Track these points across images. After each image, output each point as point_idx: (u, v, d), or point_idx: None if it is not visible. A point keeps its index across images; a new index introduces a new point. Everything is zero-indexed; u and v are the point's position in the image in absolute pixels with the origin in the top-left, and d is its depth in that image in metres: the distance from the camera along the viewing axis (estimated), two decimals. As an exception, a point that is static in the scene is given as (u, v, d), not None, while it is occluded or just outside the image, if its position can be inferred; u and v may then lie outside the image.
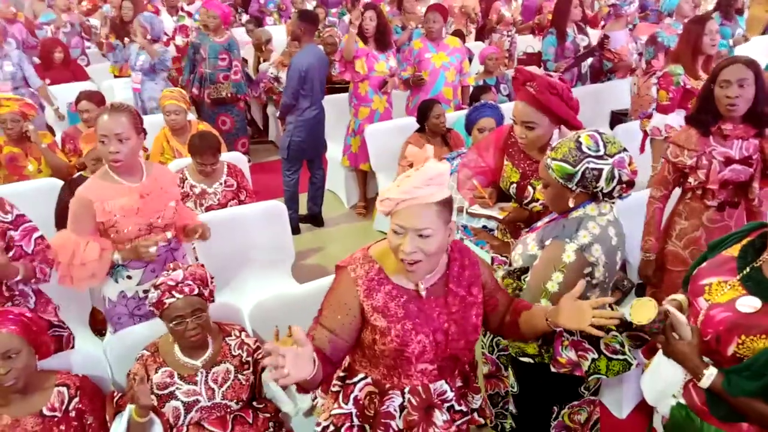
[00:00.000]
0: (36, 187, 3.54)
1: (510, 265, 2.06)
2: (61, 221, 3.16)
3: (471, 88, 4.83)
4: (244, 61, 6.34)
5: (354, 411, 1.67)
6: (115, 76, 6.46)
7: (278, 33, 7.04)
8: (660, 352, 1.70)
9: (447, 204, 1.52)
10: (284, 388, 2.10)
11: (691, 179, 2.57)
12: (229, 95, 5.32)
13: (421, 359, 1.60)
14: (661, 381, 1.69)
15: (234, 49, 5.38)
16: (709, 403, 1.56)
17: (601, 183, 1.80)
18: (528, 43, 6.89)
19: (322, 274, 3.08)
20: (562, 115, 2.18)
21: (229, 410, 2.10)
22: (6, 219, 2.21)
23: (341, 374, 1.74)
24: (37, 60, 5.96)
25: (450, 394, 1.68)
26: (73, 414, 1.94)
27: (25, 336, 1.87)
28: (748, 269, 1.52)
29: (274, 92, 6.05)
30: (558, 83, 2.17)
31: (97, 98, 4.03)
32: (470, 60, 5.38)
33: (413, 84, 4.73)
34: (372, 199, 5.13)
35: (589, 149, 1.80)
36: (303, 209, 4.93)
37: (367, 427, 1.67)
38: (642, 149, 3.93)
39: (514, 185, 2.42)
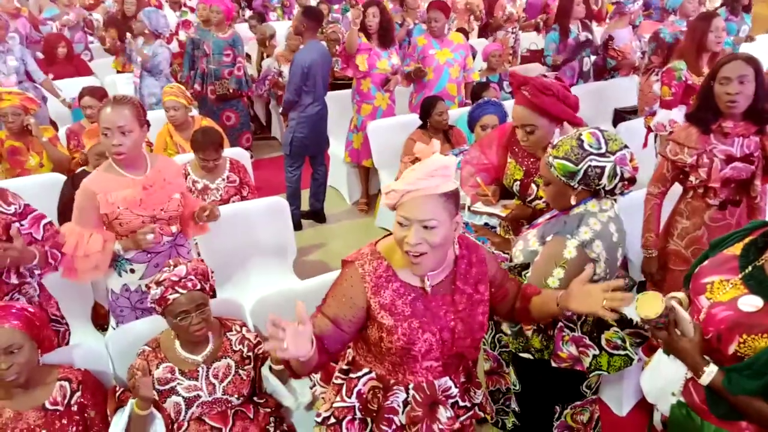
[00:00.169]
0: (39, 182, 3.55)
1: (511, 261, 2.06)
2: (63, 216, 3.17)
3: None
4: (247, 57, 6.34)
5: (357, 405, 1.68)
6: (118, 72, 6.47)
7: (282, 28, 7.03)
8: (660, 350, 1.70)
9: (453, 196, 1.51)
10: (284, 382, 2.11)
11: (692, 178, 2.56)
12: (230, 90, 5.32)
13: (428, 357, 1.60)
14: (661, 379, 1.69)
15: (238, 45, 5.38)
16: (709, 401, 1.56)
17: (604, 180, 1.80)
18: (532, 41, 6.88)
19: (324, 270, 3.09)
20: (559, 114, 2.18)
21: (230, 405, 2.10)
22: (8, 211, 2.21)
23: (345, 367, 1.74)
24: (40, 55, 5.96)
25: (454, 390, 1.68)
26: (75, 408, 1.95)
27: (27, 331, 1.87)
28: (750, 268, 1.52)
29: (279, 86, 6.05)
30: (552, 83, 2.17)
31: (99, 94, 4.02)
32: (474, 57, 5.37)
33: (415, 76, 4.72)
34: (374, 196, 5.14)
35: (591, 147, 1.79)
36: (305, 205, 4.93)
37: (369, 420, 1.67)
38: (645, 144, 3.92)
39: (518, 183, 2.42)
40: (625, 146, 1.83)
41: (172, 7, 7.31)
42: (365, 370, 1.68)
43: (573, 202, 1.85)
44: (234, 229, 3.24)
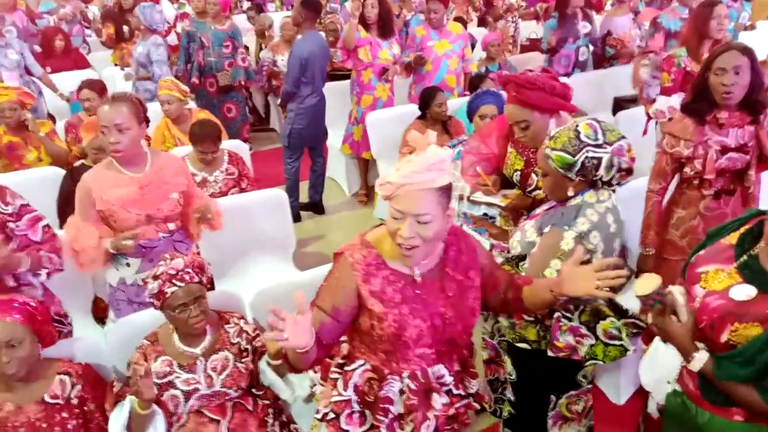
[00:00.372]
0: (38, 177, 3.54)
1: (508, 252, 2.06)
2: (63, 210, 3.17)
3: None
4: (245, 48, 6.32)
5: (354, 397, 1.68)
6: (116, 65, 6.45)
7: (278, 19, 7.01)
8: (658, 338, 1.71)
9: (447, 190, 1.52)
10: (281, 375, 2.12)
11: (687, 169, 2.55)
12: (238, 82, 5.30)
13: (419, 344, 1.60)
14: (659, 367, 1.70)
15: (238, 36, 5.36)
16: (702, 387, 1.57)
17: (601, 171, 1.80)
18: (532, 30, 6.85)
19: (323, 261, 3.08)
20: (549, 106, 2.17)
21: (228, 398, 2.11)
22: (6, 210, 2.21)
23: (340, 361, 1.75)
24: (37, 48, 5.94)
25: (448, 378, 1.68)
26: (75, 402, 1.96)
27: (29, 325, 1.87)
28: (745, 257, 1.52)
29: (275, 76, 6.03)
30: (537, 77, 2.16)
31: (98, 87, 4.02)
32: (473, 47, 5.35)
33: (415, 64, 4.70)
34: (373, 187, 5.13)
35: (588, 138, 1.79)
36: (304, 197, 4.93)
37: (368, 414, 1.68)
38: (645, 132, 3.91)
39: (518, 173, 2.41)
40: (623, 137, 1.83)
41: (170, 0, 7.28)
42: (360, 361, 1.69)
43: (570, 193, 1.85)
44: (233, 222, 3.23)
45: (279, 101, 5.02)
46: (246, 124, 5.59)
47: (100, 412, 2.01)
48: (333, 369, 1.76)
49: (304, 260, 3.81)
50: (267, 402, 2.19)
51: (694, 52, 3.57)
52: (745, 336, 1.44)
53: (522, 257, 1.96)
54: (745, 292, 1.46)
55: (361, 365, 1.68)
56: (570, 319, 1.93)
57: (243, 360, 2.13)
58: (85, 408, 1.98)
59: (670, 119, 3.19)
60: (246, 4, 8.35)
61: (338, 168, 5.32)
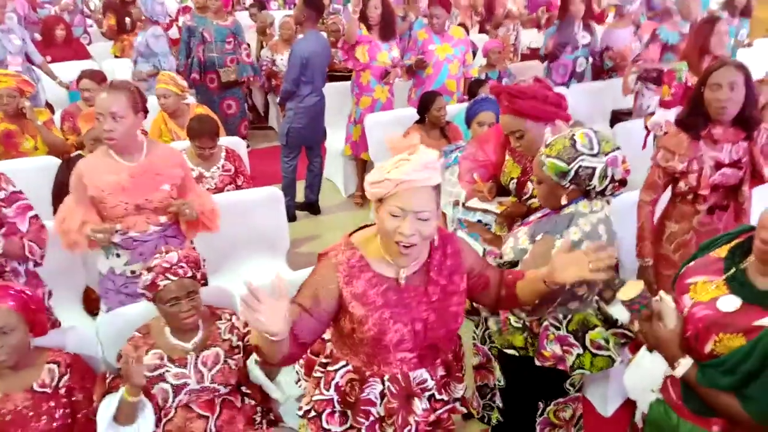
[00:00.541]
0: (34, 165, 3.54)
1: (501, 258, 2.07)
2: (58, 199, 3.17)
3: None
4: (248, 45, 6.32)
5: (335, 397, 1.69)
6: (116, 57, 6.45)
7: (278, 17, 7.01)
8: (644, 347, 1.72)
9: (439, 190, 1.54)
10: (272, 378, 2.12)
11: (681, 184, 2.57)
12: (246, 78, 5.30)
13: (400, 348, 1.60)
14: (643, 375, 1.72)
15: (240, 33, 5.37)
16: (684, 396, 1.59)
17: (594, 181, 1.82)
18: (532, 38, 6.88)
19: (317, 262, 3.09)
20: (542, 115, 2.19)
21: (217, 394, 2.11)
22: None
23: (324, 361, 1.76)
24: (37, 36, 5.93)
25: (430, 383, 1.69)
26: (62, 391, 1.96)
27: (22, 313, 1.88)
28: (733, 270, 1.54)
29: (274, 75, 6.03)
30: (528, 86, 2.18)
31: (98, 77, 4.01)
32: (474, 53, 5.38)
33: (416, 67, 4.72)
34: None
35: (583, 147, 1.81)
36: (300, 196, 4.94)
37: (350, 414, 1.68)
38: (644, 146, 3.93)
39: (514, 181, 2.43)
40: (618, 148, 1.85)
41: (175, -8, 7.29)
42: (342, 362, 1.69)
43: (564, 201, 1.87)
44: (228, 218, 3.23)
45: (278, 100, 5.03)
46: (244, 120, 5.60)
47: (88, 402, 2.01)
48: (317, 368, 1.77)
49: (297, 260, 3.81)
50: (254, 402, 2.19)
51: (695, 67, 3.61)
52: (729, 347, 1.47)
53: (514, 264, 1.98)
54: (731, 303, 1.49)
55: (344, 366, 1.69)
56: (558, 328, 1.95)
57: (234, 357, 2.14)
58: (73, 398, 1.98)
59: (665, 134, 3.22)
60: (248, 1, 8.35)
61: (335, 169, 5.33)
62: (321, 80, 4.56)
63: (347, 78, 5.11)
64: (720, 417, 1.53)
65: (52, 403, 1.93)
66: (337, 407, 1.69)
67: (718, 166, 2.49)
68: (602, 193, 1.86)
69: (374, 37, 4.64)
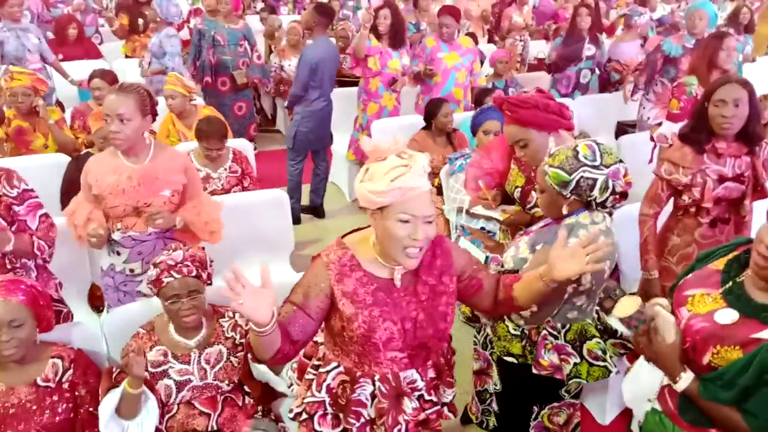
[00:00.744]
0: (43, 162, 3.58)
1: (502, 266, 2.09)
2: (67, 196, 3.21)
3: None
4: (257, 48, 6.37)
5: (327, 399, 1.70)
6: (127, 56, 6.50)
7: (286, 22, 7.05)
8: (642, 356, 1.73)
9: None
10: (276, 373, 2.14)
11: (685, 197, 2.58)
12: (254, 79, 5.34)
13: (389, 346, 1.62)
14: (640, 385, 1.72)
15: (251, 36, 5.42)
16: (680, 407, 1.60)
17: (595, 192, 1.84)
18: (540, 49, 6.92)
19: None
20: (545, 123, 2.22)
21: (220, 391, 2.14)
22: (11, 194, 2.25)
23: (316, 363, 1.77)
24: (50, 35, 5.99)
25: (420, 383, 1.70)
26: (66, 386, 1.98)
27: (31, 307, 1.90)
28: (730, 283, 1.55)
29: (283, 82, 6.07)
30: (530, 96, 2.21)
31: (110, 77, 4.07)
32: (482, 63, 5.41)
33: (424, 76, 4.75)
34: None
35: (585, 158, 1.83)
36: (305, 200, 4.96)
37: (341, 416, 1.69)
38: (651, 159, 3.94)
39: (519, 189, 2.46)
40: (620, 161, 1.87)
41: (185, -5, 7.34)
42: (334, 364, 1.71)
43: (565, 211, 1.89)
44: (233, 219, 3.27)
45: (286, 104, 5.07)
46: (253, 122, 5.65)
47: (91, 397, 2.03)
48: (309, 370, 1.78)
49: (301, 262, 3.83)
50: (256, 400, 2.21)
51: (705, 81, 3.63)
52: (727, 359, 1.48)
53: (514, 272, 1.99)
54: (729, 316, 1.50)
55: (335, 367, 1.71)
56: (556, 337, 1.97)
57: (237, 354, 2.16)
58: (76, 393, 2.00)
59: (670, 146, 3.24)
60: (259, 6, 8.41)
61: (341, 173, 5.36)
62: (329, 85, 4.60)
63: (355, 84, 5.15)
64: (718, 429, 1.54)
65: (56, 398, 1.95)
66: (329, 409, 1.70)
67: (722, 179, 2.51)
68: (603, 204, 1.88)
69: (384, 46, 4.68)
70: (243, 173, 3.64)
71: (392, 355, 1.64)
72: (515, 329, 2.04)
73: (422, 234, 1.51)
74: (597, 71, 5.53)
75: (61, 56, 5.50)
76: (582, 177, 1.83)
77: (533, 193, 2.39)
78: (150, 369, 2.05)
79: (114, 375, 2.05)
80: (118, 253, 2.55)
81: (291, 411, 1.77)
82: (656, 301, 1.61)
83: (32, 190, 2.34)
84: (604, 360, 1.97)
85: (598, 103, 5.35)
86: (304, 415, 1.72)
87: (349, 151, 5.02)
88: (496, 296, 1.75)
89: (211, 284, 2.17)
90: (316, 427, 1.70)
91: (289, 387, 2.04)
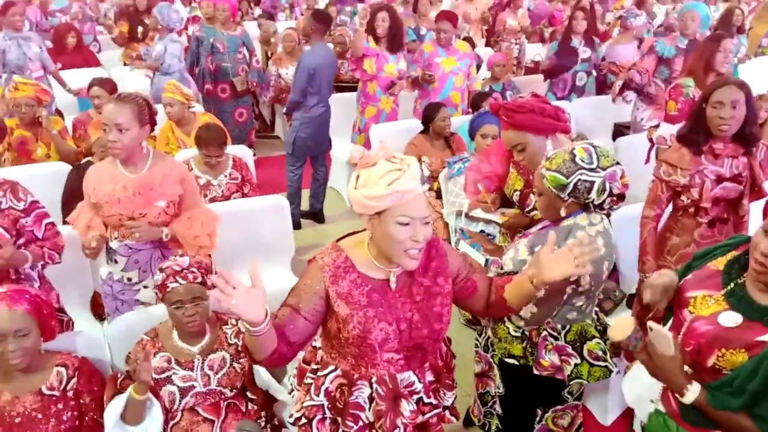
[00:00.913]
0: (45, 171, 3.59)
1: (502, 268, 2.11)
2: (68, 205, 3.22)
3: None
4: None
5: (325, 403, 1.71)
6: (125, 64, 6.52)
7: (282, 29, 7.08)
8: None
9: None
10: (278, 380, 2.15)
11: (684, 197, 2.61)
12: (251, 83, 5.36)
13: (385, 347, 1.63)
14: (641, 385, 1.72)
15: (249, 42, 5.45)
16: (681, 408, 1.60)
17: (593, 195, 1.86)
18: (536, 51, 6.95)
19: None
20: (542, 127, 2.24)
21: (223, 397, 2.15)
22: (18, 207, 2.27)
23: (314, 367, 1.78)
24: (48, 44, 6.01)
25: (418, 386, 1.71)
26: (70, 394, 1.99)
27: (36, 317, 1.91)
28: (732, 285, 1.56)
29: (284, 90, 6.08)
30: (525, 101, 2.24)
31: (109, 86, 4.08)
32: (479, 67, 5.44)
33: (422, 81, 4.77)
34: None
35: (582, 161, 1.86)
36: (305, 205, 4.98)
37: (340, 421, 1.70)
38: (647, 160, 3.97)
39: (518, 193, 2.48)
40: (617, 163, 1.89)
41: (183, 2, 7.37)
42: (331, 367, 1.72)
43: (563, 213, 1.91)
44: (234, 226, 3.28)
45: (284, 110, 5.09)
46: (253, 128, 5.67)
47: (96, 404, 2.04)
48: (307, 374, 1.79)
49: (301, 267, 3.81)
50: (259, 406, 2.22)
51: (702, 83, 3.66)
52: (731, 362, 1.48)
53: (513, 274, 2.01)
54: (732, 319, 1.50)
55: (333, 371, 1.72)
56: (556, 338, 1.99)
57: (240, 360, 2.17)
58: (81, 401, 2.01)
59: (669, 147, 3.26)
60: (257, 12, 8.45)
61: (340, 178, 5.37)
62: (327, 91, 4.62)
63: (353, 89, 5.17)
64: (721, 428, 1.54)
65: (60, 406, 1.96)
66: (328, 413, 1.71)
67: (720, 180, 2.53)
68: (600, 206, 1.90)
69: (381, 49, 4.70)
70: (243, 180, 3.65)
71: (388, 356, 1.66)
72: (516, 331, 2.05)
73: (422, 235, 1.53)
74: (594, 73, 5.56)
75: (59, 65, 5.52)
76: (579, 180, 1.85)
77: (532, 196, 2.41)
78: (154, 375, 2.06)
79: (119, 381, 2.07)
80: (116, 262, 2.56)
81: (291, 416, 1.78)
82: (651, 325, 1.58)
83: (38, 201, 2.36)
84: (605, 360, 1.98)
85: (595, 105, 5.38)
86: (303, 420, 1.73)
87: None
88: (489, 298, 1.77)
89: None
90: (315, 431, 1.71)
91: (290, 393, 2.05)
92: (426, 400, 1.74)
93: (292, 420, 1.76)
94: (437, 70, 4.75)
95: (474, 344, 2.36)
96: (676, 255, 2.72)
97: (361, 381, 1.68)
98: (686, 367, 1.58)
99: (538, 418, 2.16)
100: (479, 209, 2.71)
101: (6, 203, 2.26)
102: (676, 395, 1.57)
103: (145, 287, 2.59)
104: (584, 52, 5.39)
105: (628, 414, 2.83)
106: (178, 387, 2.09)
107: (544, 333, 1.98)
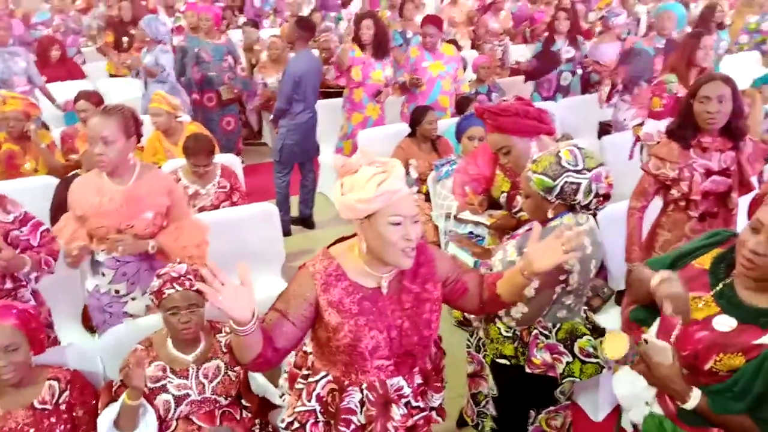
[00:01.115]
0: (33, 185, 3.58)
1: (491, 270, 2.13)
2: (55, 219, 3.21)
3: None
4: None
5: (318, 408, 1.72)
6: (111, 75, 6.50)
7: (265, 37, 7.07)
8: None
9: None
10: (274, 384, 2.15)
11: (673, 191, 2.65)
12: (236, 90, 5.36)
13: (376, 355, 1.65)
14: (635, 388, 1.69)
15: (234, 50, 5.45)
16: (679, 409, 1.58)
17: (579, 196, 1.89)
18: (520, 53, 7.01)
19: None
20: (526, 129, 2.27)
21: (217, 405, 2.15)
22: (7, 219, 2.26)
23: (305, 373, 1.79)
24: (32, 57, 5.98)
25: (407, 390, 1.73)
26: (63, 407, 1.99)
27: (25, 331, 1.91)
28: (720, 286, 1.55)
29: (271, 99, 6.07)
30: (509, 105, 2.27)
31: (95, 98, 4.06)
32: (464, 69, 5.48)
33: (410, 86, 4.80)
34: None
35: (568, 164, 1.88)
36: (294, 211, 4.98)
37: (333, 422, 1.71)
38: (631, 155, 4.02)
39: (505, 194, 2.50)
40: (601, 164, 1.92)
41: (168, 13, 7.35)
42: (322, 373, 1.73)
43: (550, 215, 1.94)
44: (223, 235, 3.28)
45: (271, 117, 5.09)
46: (240, 136, 5.67)
47: (89, 417, 2.04)
48: (298, 380, 1.80)
49: (292, 273, 3.81)
50: (253, 414, 2.23)
51: (684, 79, 3.73)
52: (729, 365, 1.48)
53: (503, 275, 2.03)
54: (727, 323, 1.50)
55: (324, 376, 1.73)
56: (547, 337, 2.01)
57: (234, 368, 2.18)
58: (74, 414, 2.01)
59: (658, 143, 3.30)
60: (242, 20, 8.44)
61: (329, 183, 5.37)
62: (313, 97, 4.64)
63: (339, 94, 5.19)
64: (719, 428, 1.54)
65: (53, 420, 1.96)
66: (320, 417, 1.72)
67: (708, 173, 2.58)
68: (587, 207, 1.92)
69: (367, 56, 4.72)
70: (232, 188, 3.65)
71: (379, 363, 1.67)
72: (507, 331, 2.07)
73: (413, 233, 1.55)
74: (578, 72, 5.61)
75: (44, 78, 5.50)
76: (566, 182, 1.87)
77: (519, 197, 2.43)
78: (149, 384, 2.06)
79: (114, 389, 2.07)
80: (103, 274, 2.54)
81: (283, 421, 1.78)
82: (644, 336, 1.58)
83: (29, 213, 2.36)
84: (596, 356, 2.01)
85: (579, 104, 5.43)
86: (296, 425, 1.73)
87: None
88: (482, 296, 1.78)
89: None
90: None
91: (281, 397, 2.05)
92: (414, 404, 1.75)
93: (284, 425, 1.77)
94: (424, 75, 4.78)
95: (466, 345, 2.38)
96: (668, 251, 2.74)
97: (351, 387, 1.69)
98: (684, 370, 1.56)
99: (531, 420, 2.18)
100: (467, 211, 2.73)
101: None
102: (678, 402, 1.56)
103: (133, 299, 2.58)
104: (568, 52, 5.44)
105: (618, 411, 2.85)
106: (173, 395, 2.09)
107: (535, 332, 2.00)
